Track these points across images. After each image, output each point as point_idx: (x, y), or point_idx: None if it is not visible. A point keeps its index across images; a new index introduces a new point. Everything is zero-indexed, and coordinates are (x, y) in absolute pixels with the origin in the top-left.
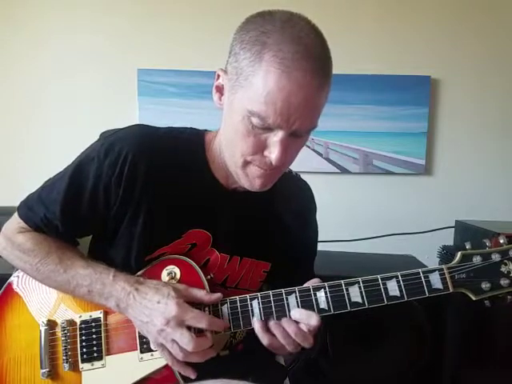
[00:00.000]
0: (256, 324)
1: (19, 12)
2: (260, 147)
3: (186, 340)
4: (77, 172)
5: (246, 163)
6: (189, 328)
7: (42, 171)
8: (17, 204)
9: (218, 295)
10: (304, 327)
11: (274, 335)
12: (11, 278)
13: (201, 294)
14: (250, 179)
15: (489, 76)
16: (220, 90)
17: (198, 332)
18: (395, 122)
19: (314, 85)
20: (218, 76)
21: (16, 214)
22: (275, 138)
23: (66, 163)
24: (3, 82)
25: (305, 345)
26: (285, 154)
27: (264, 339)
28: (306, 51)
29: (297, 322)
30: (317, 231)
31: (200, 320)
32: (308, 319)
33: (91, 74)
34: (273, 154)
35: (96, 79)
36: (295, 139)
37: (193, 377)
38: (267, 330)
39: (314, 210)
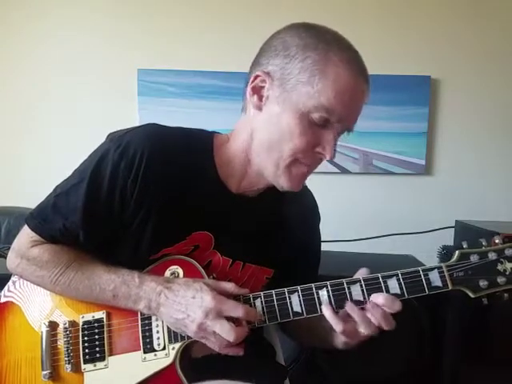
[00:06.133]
0: (326, 310)
1: (19, 12)
2: (313, 144)
3: (226, 330)
4: (93, 178)
5: (293, 162)
6: (226, 319)
7: (43, 171)
8: (16, 204)
9: (246, 289)
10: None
11: (347, 321)
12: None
13: (229, 286)
14: (291, 179)
15: (489, 76)
16: (257, 91)
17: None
18: (395, 122)
19: (367, 85)
20: (256, 77)
21: (26, 228)
22: (331, 134)
23: (66, 163)
24: (3, 83)
25: (389, 327)
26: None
27: (338, 326)
28: (360, 58)
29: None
30: (320, 239)
31: (236, 310)
32: (392, 304)
33: (91, 75)
34: (327, 149)
35: (96, 79)
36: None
37: (241, 353)
38: (340, 317)
39: (318, 217)
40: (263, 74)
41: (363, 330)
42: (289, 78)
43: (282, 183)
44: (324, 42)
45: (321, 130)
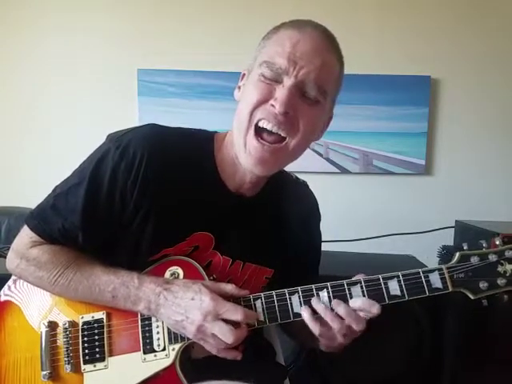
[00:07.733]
0: (305, 312)
1: (19, 12)
2: (265, 98)
3: (225, 332)
4: (93, 179)
5: (252, 119)
6: (224, 321)
7: (43, 171)
8: (16, 204)
9: (246, 291)
10: (363, 315)
11: (324, 324)
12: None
13: (229, 288)
14: (251, 148)
15: (489, 76)
16: (240, 87)
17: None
18: (395, 122)
19: (323, 43)
20: (243, 76)
21: (26, 228)
22: (283, 88)
23: (66, 163)
24: (3, 83)
25: (359, 329)
26: (290, 104)
27: (315, 328)
28: (317, 25)
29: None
30: (321, 238)
31: (235, 312)
32: (370, 308)
33: (91, 74)
34: (278, 100)
35: (96, 79)
36: (303, 101)
37: (239, 358)
38: (317, 319)
39: (318, 217)
40: (244, 71)
41: (338, 334)
42: (253, 59)
43: (245, 158)
44: (284, 24)
45: (274, 86)
